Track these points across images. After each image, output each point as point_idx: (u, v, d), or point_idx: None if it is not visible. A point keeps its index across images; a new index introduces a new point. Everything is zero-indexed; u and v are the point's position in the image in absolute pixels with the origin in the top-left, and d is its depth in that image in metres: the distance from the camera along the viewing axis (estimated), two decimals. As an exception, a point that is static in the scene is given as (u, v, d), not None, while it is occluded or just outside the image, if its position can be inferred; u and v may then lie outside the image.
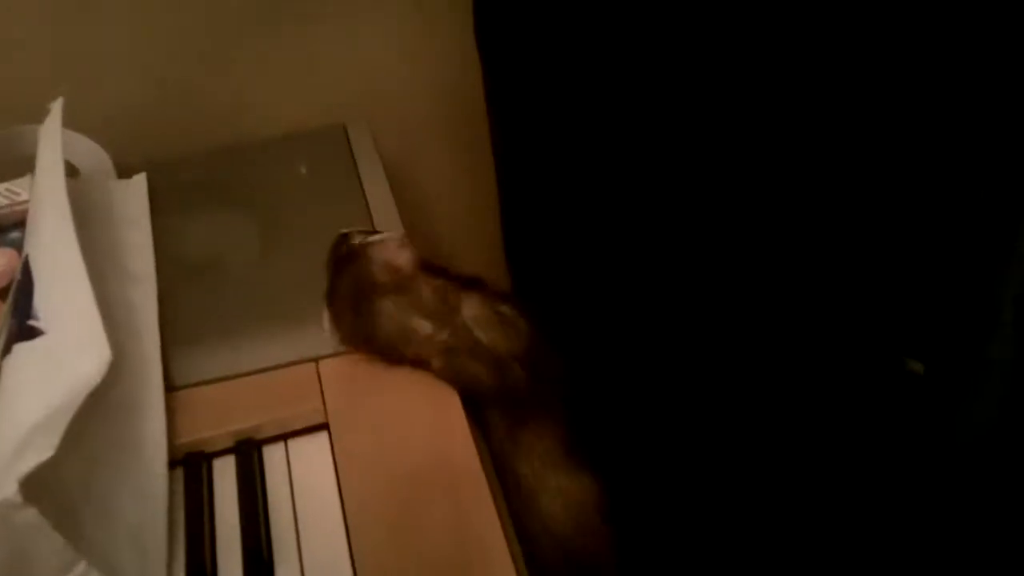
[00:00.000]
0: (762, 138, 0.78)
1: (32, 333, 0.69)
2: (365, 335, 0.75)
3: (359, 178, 0.94)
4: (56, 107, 0.81)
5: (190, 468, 0.71)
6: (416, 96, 1.14)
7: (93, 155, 0.93)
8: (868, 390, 0.82)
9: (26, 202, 0.84)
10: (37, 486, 0.56)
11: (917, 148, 0.71)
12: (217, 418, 0.74)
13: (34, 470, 0.55)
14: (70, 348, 0.67)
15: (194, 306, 0.82)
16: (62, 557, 0.56)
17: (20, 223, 0.82)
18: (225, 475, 0.71)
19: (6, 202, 0.84)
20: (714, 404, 0.92)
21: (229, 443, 0.73)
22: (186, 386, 0.76)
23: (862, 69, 0.71)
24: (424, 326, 0.73)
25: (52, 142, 0.79)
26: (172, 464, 0.70)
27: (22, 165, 0.88)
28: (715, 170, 0.82)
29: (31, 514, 0.55)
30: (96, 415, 0.64)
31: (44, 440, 0.58)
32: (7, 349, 0.69)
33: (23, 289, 0.72)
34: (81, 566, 0.57)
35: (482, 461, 0.69)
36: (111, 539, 0.61)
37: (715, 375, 0.91)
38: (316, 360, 0.77)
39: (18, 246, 0.80)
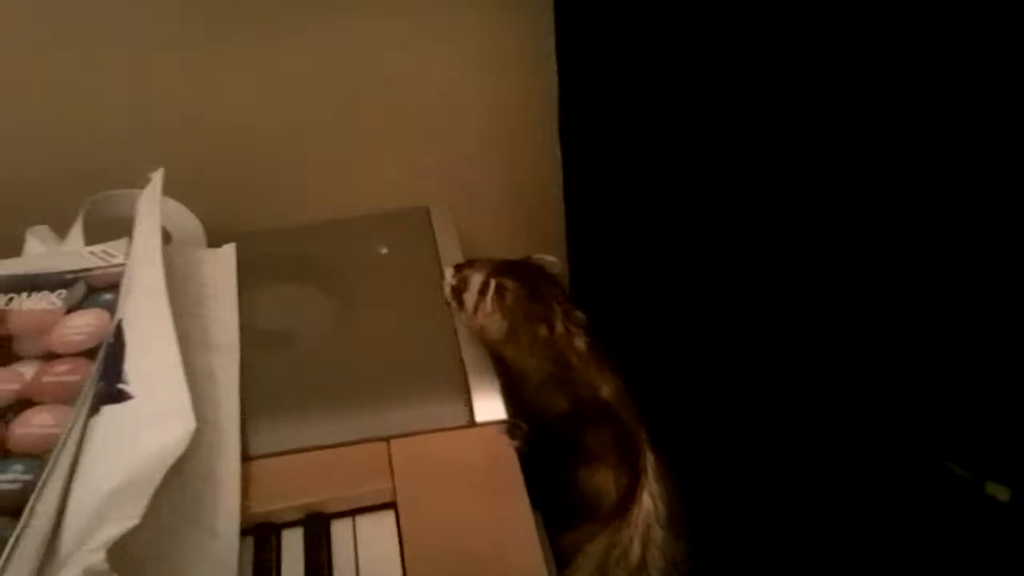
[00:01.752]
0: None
1: (121, 396, 0.72)
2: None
3: (438, 259, 0.96)
4: (157, 176, 0.85)
5: (259, 538, 0.72)
6: (493, 183, 1.17)
7: (186, 222, 0.96)
8: (948, 515, 0.81)
9: (119, 265, 0.86)
10: (118, 553, 0.57)
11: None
12: (288, 490, 0.75)
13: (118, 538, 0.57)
14: (156, 415, 0.70)
15: (271, 378, 0.83)
16: None
17: (113, 285, 0.84)
18: (292, 547, 0.72)
19: (101, 263, 0.87)
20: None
21: (299, 515, 0.74)
22: (259, 456, 0.77)
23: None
24: None
25: (151, 209, 0.82)
26: (242, 533, 0.71)
27: (117, 228, 0.92)
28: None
29: (110, 581, 0.56)
30: (174, 484, 0.66)
31: (129, 509, 0.60)
32: (96, 409, 0.72)
33: (114, 352, 0.74)
34: None
35: (544, 559, 0.69)
36: (181, 607, 0.62)
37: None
38: (387, 439, 0.78)
39: (109, 307, 0.82)
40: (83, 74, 0.99)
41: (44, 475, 0.68)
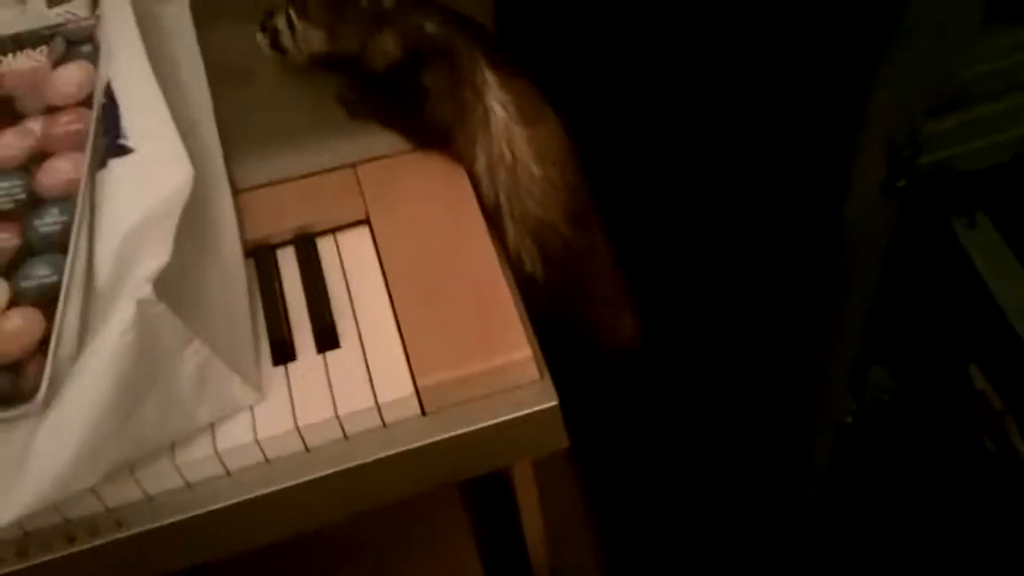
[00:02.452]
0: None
1: (123, 151, 0.83)
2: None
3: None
4: None
5: (259, 259, 0.87)
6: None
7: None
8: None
9: (88, 19, 0.94)
10: (156, 285, 0.72)
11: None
12: (275, 216, 0.89)
13: (156, 272, 0.72)
14: (156, 163, 0.82)
15: (243, 116, 0.94)
16: (182, 337, 0.73)
17: (88, 38, 0.92)
18: (288, 264, 0.88)
19: (72, 18, 0.95)
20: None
21: (288, 237, 0.89)
22: (245, 189, 0.90)
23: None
24: None
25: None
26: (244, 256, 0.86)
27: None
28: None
29: (161, 308, 0.71)
30: (184, 220, 0.79)
31: (159, 247, 0.73)
32: (103, 163, 0.84)
33: (110, 112, 0.85)
34: (196, 343, 0.74)
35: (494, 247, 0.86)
36: (208, 321, 0.76)
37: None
38: (355, 165, 0.91)
39: (90, 59, 0.91)
40: None
41: (77, 214, 0.81)
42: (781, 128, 0.74)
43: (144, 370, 0.71)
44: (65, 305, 0.77)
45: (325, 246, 0.89)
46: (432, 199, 0.89)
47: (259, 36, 0.96)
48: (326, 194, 0.90)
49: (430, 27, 0.91)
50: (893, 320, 0.75)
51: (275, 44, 0.95)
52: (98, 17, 0.93)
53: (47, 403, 0.73)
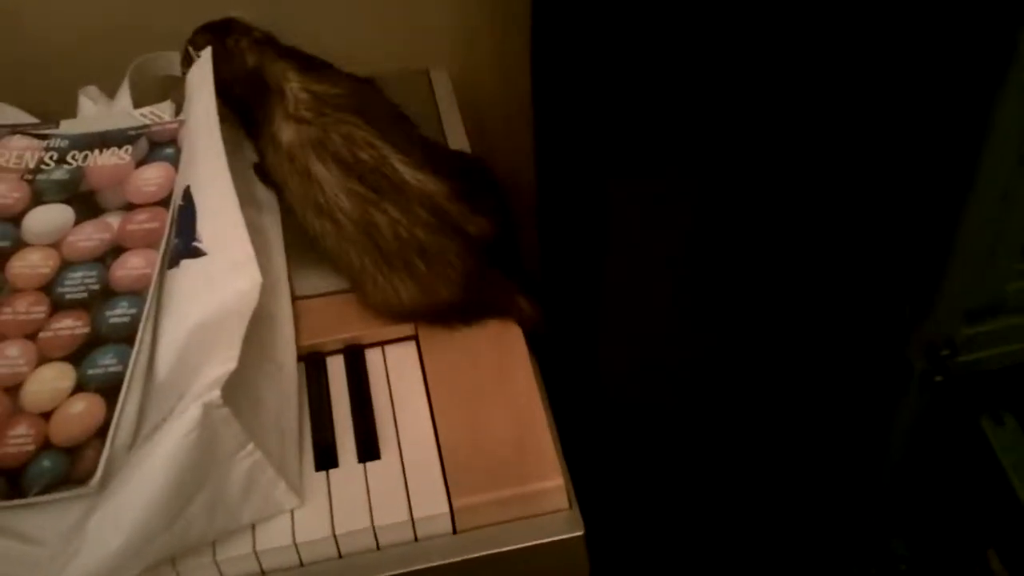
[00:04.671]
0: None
1: (196, 253, 0.88)
2: None
3: (440, 122, 1.11)
4: (207, 52, 0.97)
5: (310, 365, 0.92)
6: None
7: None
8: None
9: (172, 122, 1.00)
10: (223, 388, 0.76)
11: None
12: (329, 325, 0.94)
13: (224, 377, 0.76)
14: (227, 268, 0.86)
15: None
16: (238, 440, 0.77)
17: (171, 141, 0.98)
18: (336, 372, 0.92)
19: (157, 121, 1.01)
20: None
21: (339, 346, 0.93)
22: (302, 297, 0.95)
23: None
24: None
25: (205, 79, 0.94)
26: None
27: (158, 88, 1.06)
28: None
29: (225, 411, 0.75)
30: (249, 324, 0.83)
31: (227, 352, 0.77)
32: (175, 262, 0.89)
33: (186, 215, 0.90)
34: (250, 446, 0.77)
35: (536, 379, 0.90)
36: (261, 425, 0.80)
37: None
38: (407, 284, 0.96)
39: (171, 161, 0.97)
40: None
41: (146, 309, 0.86)
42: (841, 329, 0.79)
43: (199, 469, 0.75)
44: (127, 395, 0.82)
45: (373, 357, 0.93)
46: (479, 324, 0.94)
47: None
48: (379, 309, 0.95)
49: (251, 58, 0.95)
50: (917, 497, 0.79)
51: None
52: (181, 122, 0.99)
53: (101, 487, 0.77)
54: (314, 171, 0.89)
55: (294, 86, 0.91)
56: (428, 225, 0.89)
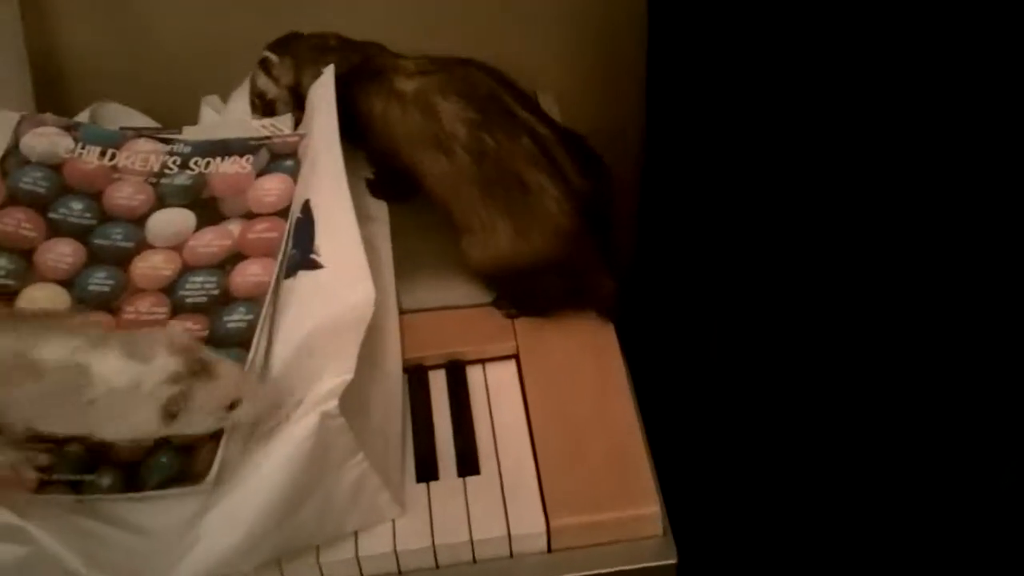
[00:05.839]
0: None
1: (314, 265, 0.91)
2: None
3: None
4: (330, 69, 1.01)
5: (413, 377, 0.94)
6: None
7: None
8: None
9: (292, 135, 1.04)
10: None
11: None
12: (432, 340, 0.96)
13: (342, 387, 0.79)
14: (343, 281, 0.89)
15: (418, 245, 1.03)
16: (350, 449, 0.79)
17: (290, 153, 1.01)
18: (438, 385, 0.95)
19: (278, 133, 1.05)
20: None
21: (441, 361, 0.96)
22: (408, 311, 0.98)
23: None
24: None
25: (327, 96, 0.98)
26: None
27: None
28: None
29: (340, 421, 0.78)
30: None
31: (344, 363, 0.80)
32: (292, 272, 0.92)
33: (304, 227, 0.93)
34: (359, 456, 0.80)
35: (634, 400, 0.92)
36: (368, 434, 0.83)
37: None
38: (513, 303, 0.99)
39: (291, 173, 1.00)
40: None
41: (262, 315, 0.90)
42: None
43: (313, 474, 0.78)
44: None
45: (474, 374, 0.96)
46: (580, 347, 0.96)
47: (254, 121, 1.08)
48: (483, 327, 0.97)
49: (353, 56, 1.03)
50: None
51: (267, 110, 1.07)
52: (302, 136, 1.03)
53: (215, 486, 0.80)
54: (438, 106, 0.95)
55: (408, 61, 1.00)
56: (532, 157, 0.93)
